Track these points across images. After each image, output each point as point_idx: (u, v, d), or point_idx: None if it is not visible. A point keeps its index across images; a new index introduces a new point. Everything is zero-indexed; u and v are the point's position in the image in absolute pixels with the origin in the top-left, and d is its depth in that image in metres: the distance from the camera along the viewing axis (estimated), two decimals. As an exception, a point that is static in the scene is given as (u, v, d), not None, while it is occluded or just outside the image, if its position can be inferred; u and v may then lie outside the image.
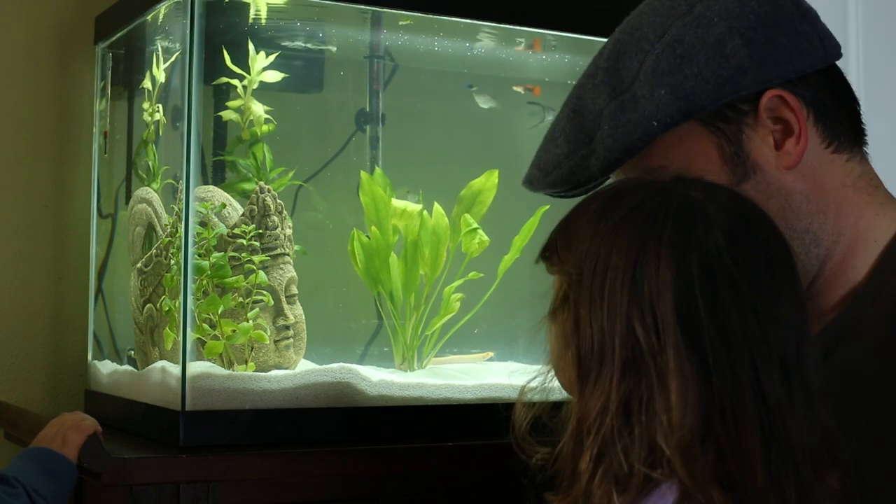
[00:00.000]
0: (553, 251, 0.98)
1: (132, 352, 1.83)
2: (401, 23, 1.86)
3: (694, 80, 1.03)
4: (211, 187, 1.72)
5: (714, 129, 1.06)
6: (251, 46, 1.72)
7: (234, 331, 1.61)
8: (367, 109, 1.95)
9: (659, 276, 0.89)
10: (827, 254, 1.08)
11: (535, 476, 0.95)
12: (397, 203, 1.80)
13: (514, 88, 1.97)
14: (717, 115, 1.06)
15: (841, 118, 1.11)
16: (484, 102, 1.92)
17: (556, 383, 1.00)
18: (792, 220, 1.07)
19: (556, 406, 1.00)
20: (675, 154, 1.06)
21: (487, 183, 1.79)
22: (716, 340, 0.89)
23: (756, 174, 1.07)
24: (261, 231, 1.66)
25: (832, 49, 1.10)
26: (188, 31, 1.59)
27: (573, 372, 0.93)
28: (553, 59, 2.00)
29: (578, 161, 1.05)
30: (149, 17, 1.81)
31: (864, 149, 1.14)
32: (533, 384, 1.01)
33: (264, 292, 1.65)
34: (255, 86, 1.73)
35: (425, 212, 1.80)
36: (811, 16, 1.10)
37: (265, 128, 1.75)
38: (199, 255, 1.61)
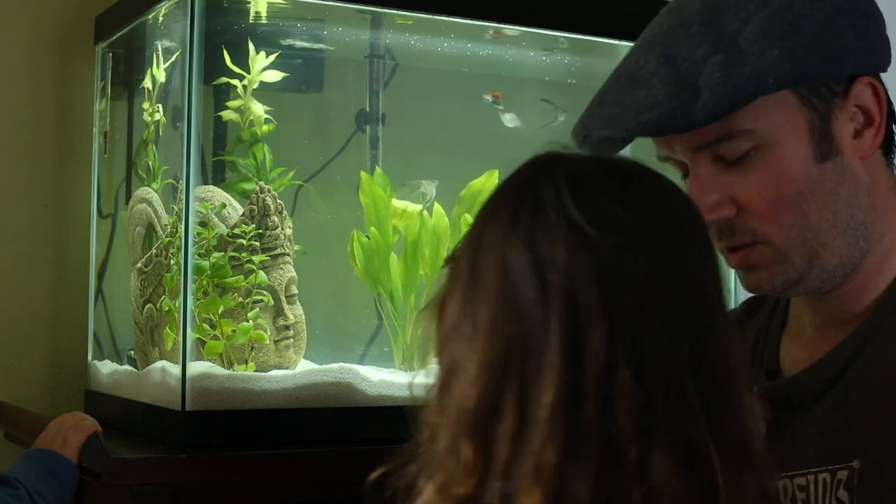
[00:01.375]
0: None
1: (132, 352, 1.83)
2: (399, 21, 1.86)
3: (804, 49, 1.03)
4: (211, 187, 1.72)
5: (808, 104, 1.05)
6: (251, 46, 1.72)
7: (234, 331, 1.61)
8: (367, 109, 1.95)
9: (524, 254, 0.79)
10: (868, 250, 1.08)
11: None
12: (397, 203, 1.80)
13: (485, 96, 1.96)
14: (813, 90, 1.06)
15: (889, 124, 1.12)
16: (510, 122, 1.92)
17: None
18: (854, 209, 1.07)
19: None
20: (765, 121, 1.04)
21: (487, 183, 1.79)
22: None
23: (836, 156, 1.06)
24: (261, 231, 1.66)
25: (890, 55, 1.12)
26: (188, 31, 1.59)
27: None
28: (553, 59, 2.00)
29: (681, 105, 1.02)
30: (149, 17, 1.81)
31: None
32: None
33: (264, 292, 1.65)
34: (255, 86, 1.73)
35: (425, 212, 1.80)
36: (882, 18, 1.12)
37: (265, 128, 1.75)
38: (199, 255, 1.61)
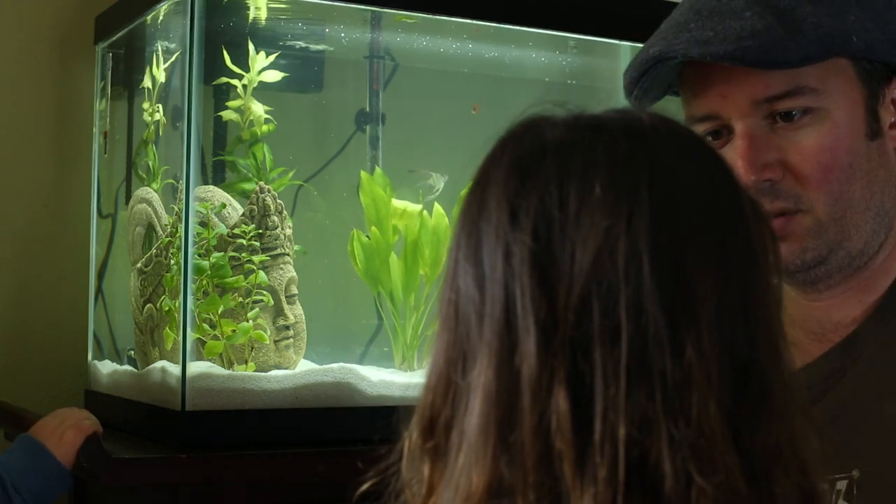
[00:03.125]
0: None
1: (132, 352, 1.83)
2: (401, 19, 1.86)
3: (877, 23, 1.04)
4: (211, 187, 1.72)
5: (866, 78, 1.05)
6: (251, 46, 1.72)
7: (234, 331, 1.61)
8: (367, 109, 1.95)
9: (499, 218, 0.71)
10: (883, 243, 1.08)
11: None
12: (397, 203, 1.80)
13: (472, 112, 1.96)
14: (872, 67, 1.05)
15: None
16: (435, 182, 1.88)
17: None
18: (885, 196, 1.06)
19: None
20: (831, 84, 1.04)
21: (487, 183, 1.79)
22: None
23: (881, 138, 1.06)
24: (261, 231, 1.66)
25: None
26: (188, 31, 1.59)
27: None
28: (553, 58, 2.00)
29: (777, 41, 1.00)
30: (149, 17, 1.81)
31: None
32: None
33: (264, 292, 1.65)
34: (254, 86, 1.73)
35: (425, 212, 1.80)
36: None
37: (265, 128, 1.75)
38: (199, 255, 1.61)
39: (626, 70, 1.11)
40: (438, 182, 1.84)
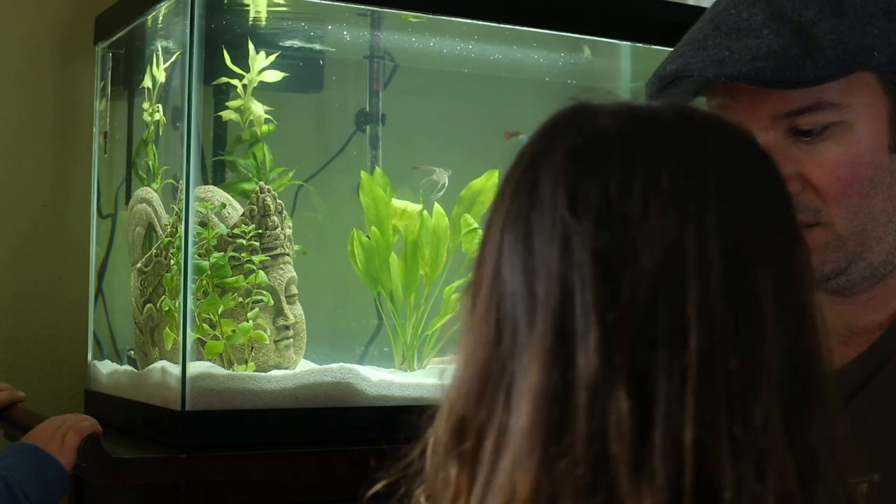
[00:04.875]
0: None
1: (132, 352, 1.83)
2: (405, 18, 1.86)
3: None
4: (211, 187, 1.72)
5: (891, 91, 1.04)
6: (251, 46, 1.72)
7: (234, 331, 1.61)
8: (367, 109, 1.95)
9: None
10: None
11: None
12: (397, 203, 1.80)
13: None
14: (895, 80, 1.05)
15: None
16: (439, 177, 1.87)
17: None
18: None
19: None
20: (854, 98, 1.03)
21: (487, 183, 1.79)
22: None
23: None
24: (261, 231, 1.66)
25: None
26: (188, 31, 1.59)
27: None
28: (552, 58, 2.00)
29: (794, 60, 1.00)
30: (149, 17, 1.81)
31: None
32: None
33: (264, 292, 1.65)
34: (255, 86, 1.73)
35: (425, 212, 1.80)
36: None
37: (265, 128, 1.75)
38: (199, 255, 1.61)
39: (647, 83, 1.12)
40: (442, 176, 1.84)
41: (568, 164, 0.68)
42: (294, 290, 1.69)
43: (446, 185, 1.84)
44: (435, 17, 1.76)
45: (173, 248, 1.67)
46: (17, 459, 1.42)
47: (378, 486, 0.76)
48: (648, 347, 0.64)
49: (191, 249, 1.59)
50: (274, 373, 1.61)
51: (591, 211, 0.66)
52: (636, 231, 0.65)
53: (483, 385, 0.68)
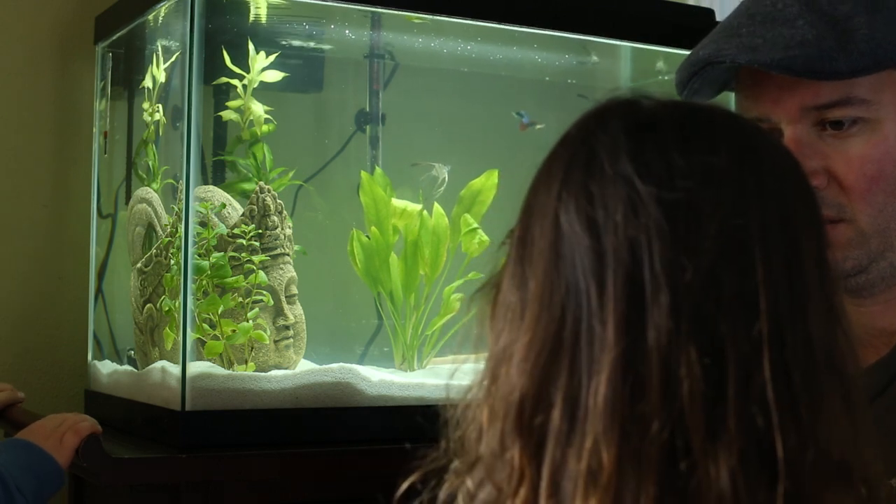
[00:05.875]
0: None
1: (132, 352, 1.83)
2: (401, 21, 1.86)
3: None
4: (211, 187, 1.72)
5: None
6: (251, 46, 1.72)
7: (234, 331, 1.61)
8: (367, 109, 1.95)
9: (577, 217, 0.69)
10: None
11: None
12: (397, 203, 1.80)
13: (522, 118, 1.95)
14: None
15: None
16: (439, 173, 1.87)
17: None
18: None
19: None
20: (884, 95, 1.03)
21: (487, 183, 1.79)
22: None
23: None
24: (261, 231, 1.66)
25: None
26: (188, 31, 1.59)
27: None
28: (552, 58, 2.00)
29: (827, 51, 1.00)
30: (149, 17, 1.81)
31: None
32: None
33: (264, 292, 1.65)
34: (255, 86, 1.73)
35: (425, 212, 1.80)
36: None
37: (265, 128, 1.75)
38: (199, 255, 1.61)
39: (677, 69, 1.11)
40: (441, 172, 1.84)
41: (626, 140, 0.69)
42: (294, 290, 1.69)
43: (446, 180, 1.84)
44: (435, 17, 1.76)
45: (173, 248, 1.67)
46: (12, 455, 1.42)
47: (406, 485, 0.75)
48: (716, 310, 0.65)
49: (191, 249, 1.59)
50: (274, 373, 1.61)
51: (655, 178, 0.67)
52: (700, 197, 0.66)
53: (552, 356, 0.67)
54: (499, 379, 0.69)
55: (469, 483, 0.71)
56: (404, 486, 0.75)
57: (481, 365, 0.73)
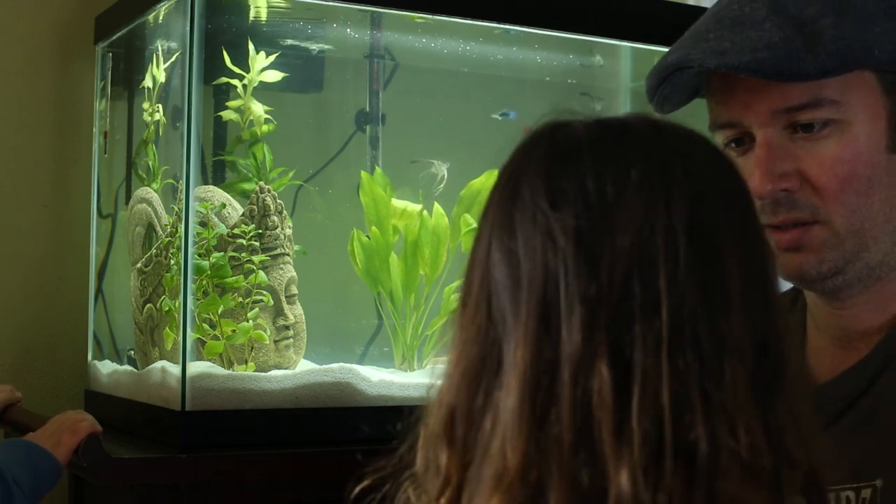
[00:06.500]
0: None
1: (132, 352, 1.83)
2: (401, 21, 1.86)
3: None
4: (211, 187, 1.72)
5: (891, 91, 1.04)
6: (251, 46, 1.72)
7: (234, 331, 1.61)
8: (367, 109, 1.95)
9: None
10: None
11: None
12: (397, 203, 1.80)
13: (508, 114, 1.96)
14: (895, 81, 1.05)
15: None
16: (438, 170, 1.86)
17: None
18: None
19: None
20: (853, 96, 1.03)
21: (487, 183, 1.79)
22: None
23: None
24: (261, 231, 1.66)
25: None
26: (188, 31, 1.59)
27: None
28: (552, 58, 2.00)
29: (796, 52, 1.00)
30: (149, 17, 1.81)
31: None
32: None
33: (264, 292, 1.65)
34: (254, 85, 1.73)
35: (425, 212, 1.80)
36: None
37: (265, 128, 1.75)
38: (199, 255, 1.61)
39: (647, 75, 1.11)
40: (441, 169, 1.84)
41: (545, 169, 0.74)
42: (294, 290, 1.69)
43: (445, 177, 1.84)
44: (435, 17, 1.76)
45: (173, 248, 1.67)
46: (9, 451, 1.43)
47: (364, 483, 0.81)
48: (626, 321, 0.69)
49: (191, 249, 1.59)
50: (274, 373, 1.61)
51: (570, 203, 0.72)
52: (611, 215, 0.71)
53: (476, 376, 0.73)
54: (437, 396, 0.76)
55: (410, 491, 0.77)
56: (356, 490, 0.82)
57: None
